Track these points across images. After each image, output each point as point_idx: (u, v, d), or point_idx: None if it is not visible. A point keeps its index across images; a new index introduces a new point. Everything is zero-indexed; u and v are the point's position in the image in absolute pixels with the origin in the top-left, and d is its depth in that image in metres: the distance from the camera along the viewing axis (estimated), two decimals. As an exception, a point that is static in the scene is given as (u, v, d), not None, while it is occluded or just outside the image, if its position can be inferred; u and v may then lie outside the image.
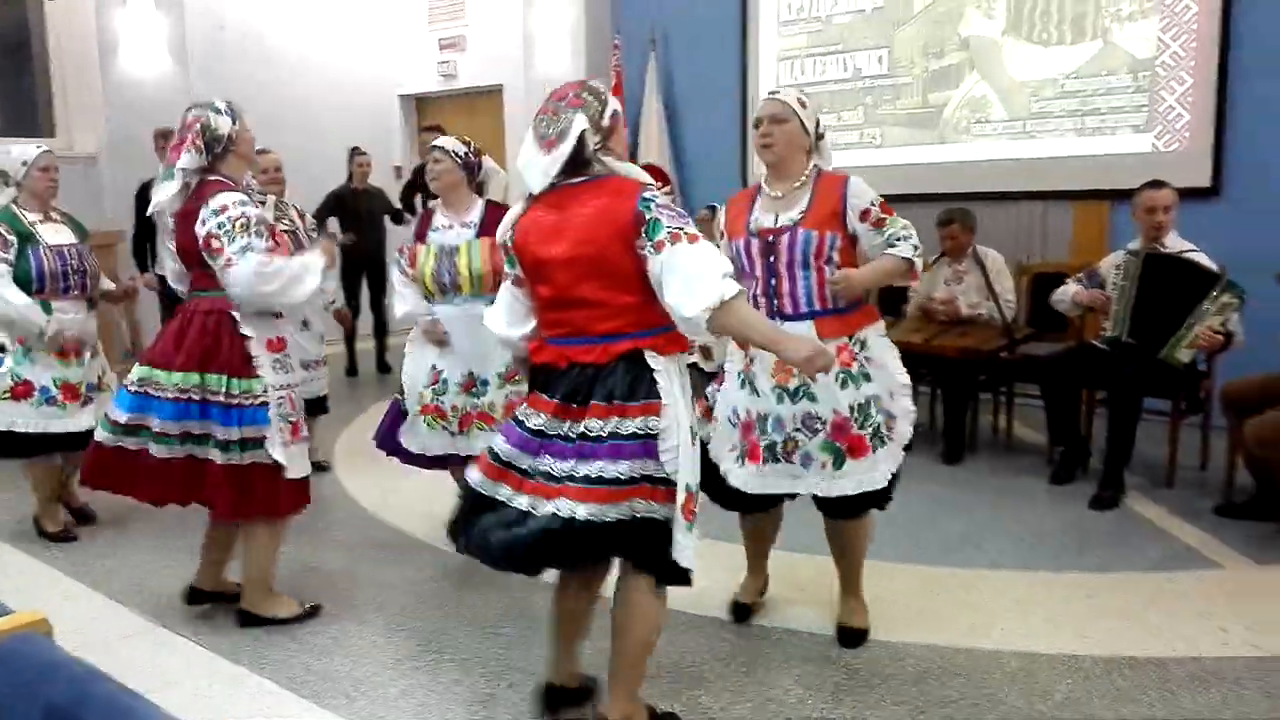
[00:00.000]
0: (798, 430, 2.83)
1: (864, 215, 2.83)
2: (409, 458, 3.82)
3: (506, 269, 2.47)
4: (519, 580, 3.62)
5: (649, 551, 2.28)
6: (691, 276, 2.15)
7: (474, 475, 2.39)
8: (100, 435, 3.09)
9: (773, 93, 2.96)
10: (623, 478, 2.20)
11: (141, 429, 3.03)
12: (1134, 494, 4.33)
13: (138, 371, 3.07)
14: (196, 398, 3.00)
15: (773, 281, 2.84)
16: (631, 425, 2.23)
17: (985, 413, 5.33)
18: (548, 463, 2.27)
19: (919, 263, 2.89)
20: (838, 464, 2.83)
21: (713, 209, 6.20)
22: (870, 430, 2.84)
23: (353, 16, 8.98)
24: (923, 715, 2.64)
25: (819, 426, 2.81)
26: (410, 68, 9.00)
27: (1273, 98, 5.21)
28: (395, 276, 3.83)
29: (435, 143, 3.76)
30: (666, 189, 7.46)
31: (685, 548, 2.27)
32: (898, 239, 2.84)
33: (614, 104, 2.39)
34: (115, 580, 3.68)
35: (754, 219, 2.90)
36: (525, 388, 2.55)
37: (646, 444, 2.23)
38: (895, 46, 6.46)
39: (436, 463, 3.81)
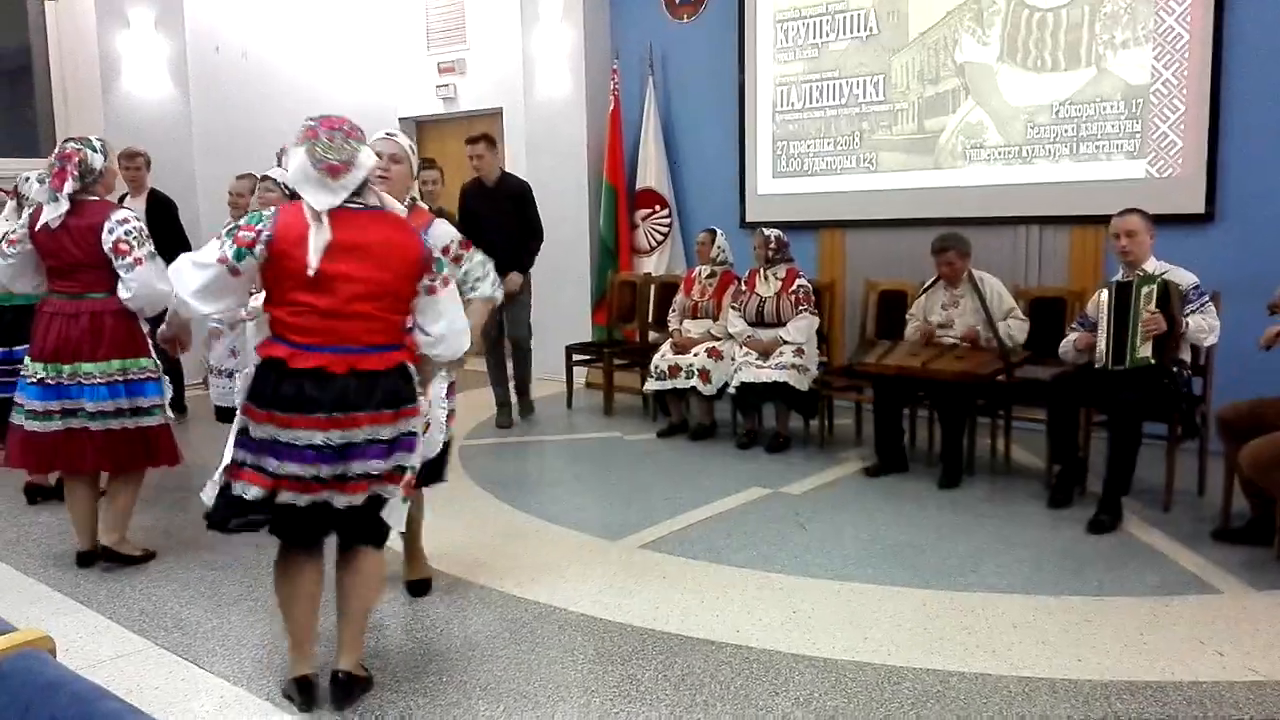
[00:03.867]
0: None
1: (445, 251, 3.18)
2: None
3: (234, 260, 2.63)
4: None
5: (374, 525, 2.79)
6: (458, 321, 2.83)
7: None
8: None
9: (389, 133, 3.32)
10: (379, 472, 2.68)
11: (77, 412, 3.81)
12: (1131, 518, 4.34)
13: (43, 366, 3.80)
14: (120, 379, 3.85)
15: None
16: (393, 430, 2.69)
17: (982, 436, 5.33)
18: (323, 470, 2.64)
19: (499, 295, 3.47)
20: None
21: (712, 232, 6.24)
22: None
23: (352, 39, 9.04)
24: (922, 739, 2.64)
25: None
26: (410, 91, 9.06)
27: (1264, 124, 5.26)
28: None
29: (268, 173, 4.51)
30: (664, 213, 7.51)
31: (400, 514, 2.80)
32: (477, 279, 3.35)
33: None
34: (117, 600, 3.67)
35: None
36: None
37: (405, 440, 2.72)
38: (891, 73, 6.51)
39: None
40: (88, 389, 3.78)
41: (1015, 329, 5.04)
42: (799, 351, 5.61)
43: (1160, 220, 4.57)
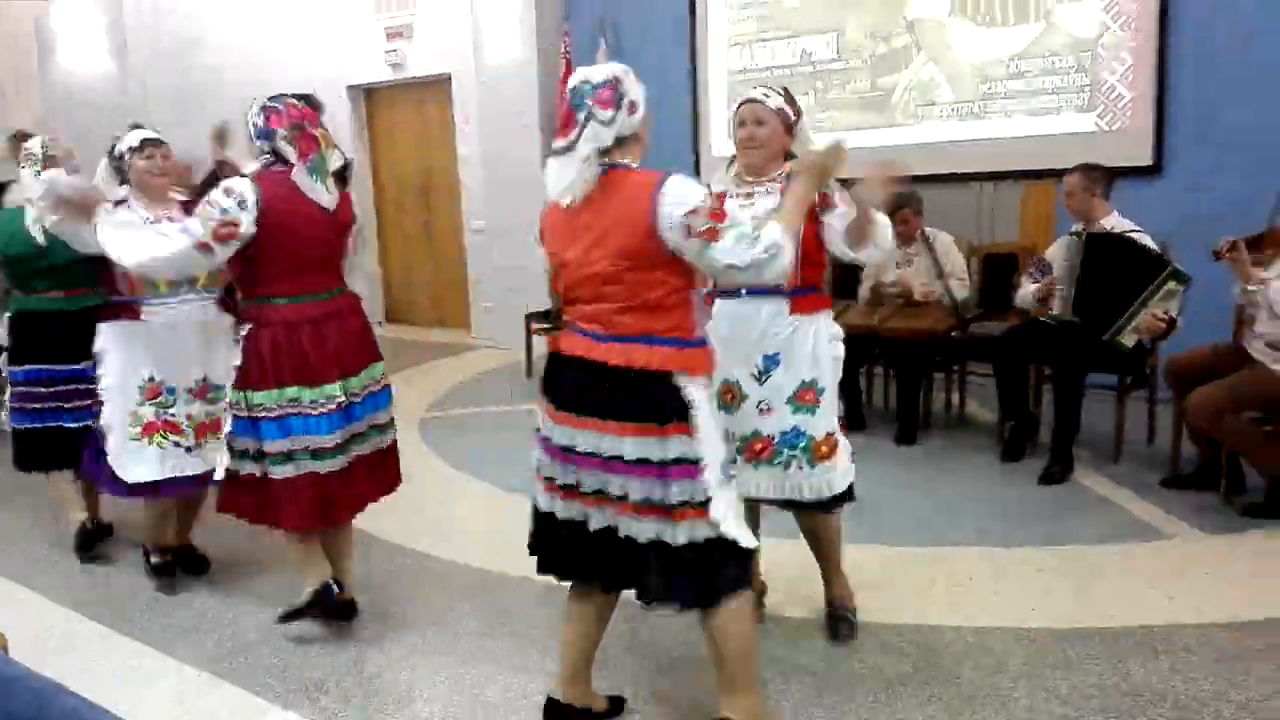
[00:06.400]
0: None
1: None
2: (129, 489, 3.40)
3: None
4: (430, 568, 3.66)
5: None
6: None
7: None
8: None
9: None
10: None
11: (365, 433, 3.11)
12: (1083, 468, 4.42)
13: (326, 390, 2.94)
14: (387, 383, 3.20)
15: None
16: None
17: (937, 391, 5.40)
18: None
19: None
20: None
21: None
22: None
23: (296, 7, 8.84)
24: (882, 693, 2.69)
25: None
26: (357, 58, 8.88)
27: (1210, 75, 5.31)
28: None
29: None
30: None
31: None
32: None
33: None
34: (74, 588, 3.64)
35: None
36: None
37: None
38: (844, 31, 6.49)
39: (168, 488, 3.43)
40: (378, 398, 3.12)
41: (956, 289, 5.08)
42: (757, 313, 5.62)
43: (1109, 172, 4.61)
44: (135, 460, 3.36)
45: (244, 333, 2.94)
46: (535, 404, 2.44)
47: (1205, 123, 5.36)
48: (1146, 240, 4.33)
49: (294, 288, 2.93)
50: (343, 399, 2.96)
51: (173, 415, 3.41)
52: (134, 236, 2.95)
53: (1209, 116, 5.34)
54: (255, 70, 8.43)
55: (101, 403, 3.41)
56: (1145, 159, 5.52)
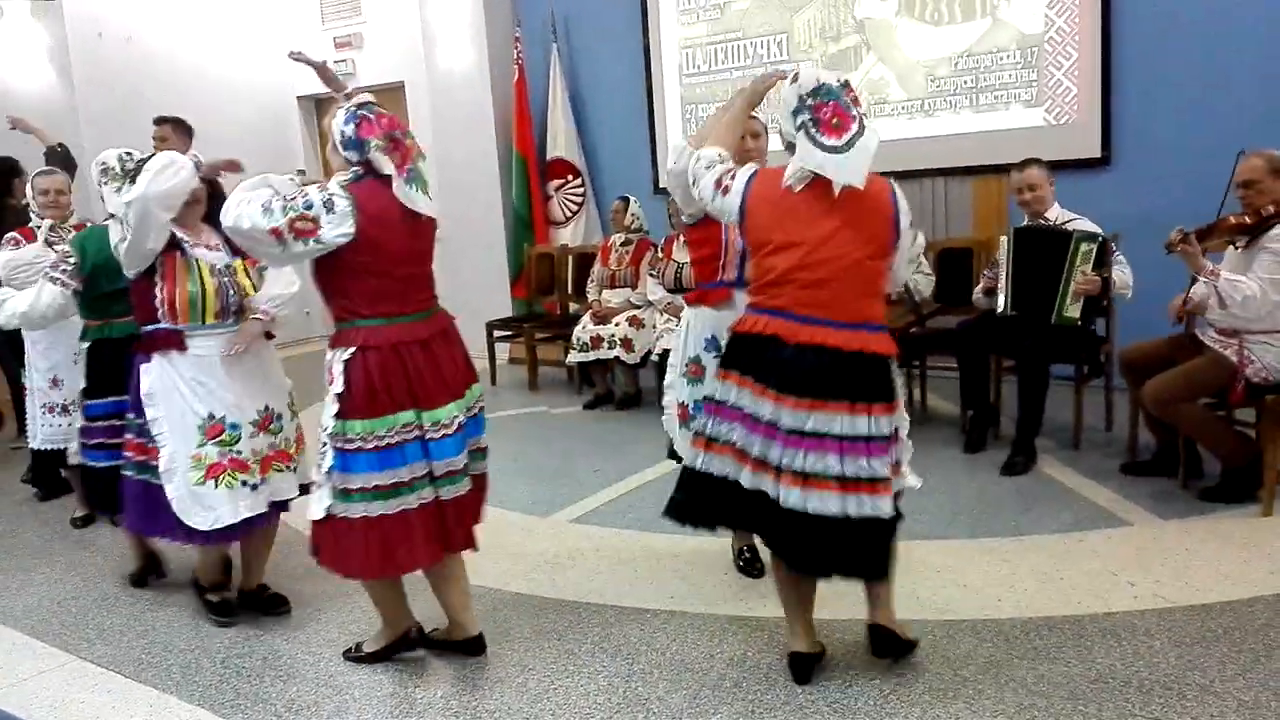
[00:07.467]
0: None
1: None
2: (205, 536, 3.13)
3: None
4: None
5: None
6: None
7: None
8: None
9: None
10: None
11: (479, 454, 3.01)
12: (1044, 457, 4.48)
13: (434, 414, 2.74)
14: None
15: None
16: None
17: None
18: None
19: None
20: None
21: (625, 199, 6.22)
22: None
23: (241, 18, 8.74)
24: (852, 689, 2.71)
25: None
26: (306, 68, 8.77)
27: (1156, 68, 5.41)
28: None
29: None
30: (577, 182, 7.46)
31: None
32: None
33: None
34: (35, 615, 3.57)
35: None
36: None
37: None
38: (793, 31, 6.53)
39: (241, 529, 3.19)
40: (468, 429, 2.89)
41: (923, 284, 5.13)
42: (718, 314, 5.64)
43: (1058, 165, 4.68)
44: (205, 504, 3.08)
45: (346, 357, 2.67)
46: (721, 376, 2.62)
47: (1152, 115, 5.45)
48: (1087, 224, 4.39)
49: (400, 307, 2.74)
50: (462, 418, 2.80)
51: (239, 452, 3.13)
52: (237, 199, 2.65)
53: (1155, 108, 5.44)
54: (201, 83, 8.33)
55: (136, 444, 3.18)
56: (1094, 151, 5.61)
